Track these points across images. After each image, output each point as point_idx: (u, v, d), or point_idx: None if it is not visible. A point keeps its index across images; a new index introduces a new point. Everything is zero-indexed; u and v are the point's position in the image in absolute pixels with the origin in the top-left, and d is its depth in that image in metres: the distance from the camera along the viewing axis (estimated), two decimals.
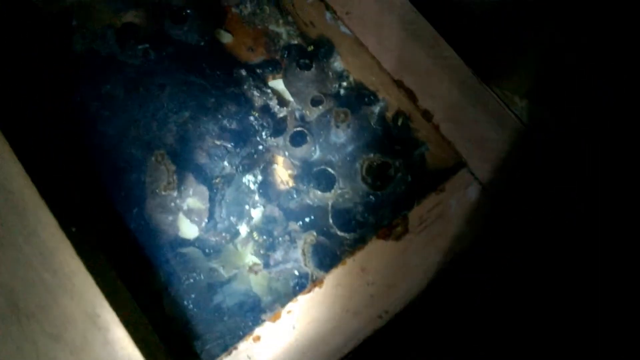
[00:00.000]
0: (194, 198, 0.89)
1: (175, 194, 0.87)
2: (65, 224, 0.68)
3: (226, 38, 1.07)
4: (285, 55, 1.01)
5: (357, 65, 0.94)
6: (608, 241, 0.80)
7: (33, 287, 0.63)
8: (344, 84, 0.96)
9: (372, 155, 0.86)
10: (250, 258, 0.89)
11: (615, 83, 0.83)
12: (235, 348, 0.77)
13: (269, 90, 1.02)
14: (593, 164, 0.81)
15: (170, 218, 0.88)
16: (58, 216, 0.68)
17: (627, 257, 0.79)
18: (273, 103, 1.00)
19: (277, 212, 0.93)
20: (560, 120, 0.89)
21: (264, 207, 0.93)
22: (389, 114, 0.93)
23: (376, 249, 0.80)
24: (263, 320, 0.80)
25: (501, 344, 0.84)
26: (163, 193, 0.85)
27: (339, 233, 0.87)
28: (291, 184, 0.94)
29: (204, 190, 0.89)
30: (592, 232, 0.80)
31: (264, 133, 0.97)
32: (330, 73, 0.96)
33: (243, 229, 0.92)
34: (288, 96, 1.02)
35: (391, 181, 0.83)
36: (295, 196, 0.92)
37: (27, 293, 0.63)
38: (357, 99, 0.93)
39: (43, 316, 0.62)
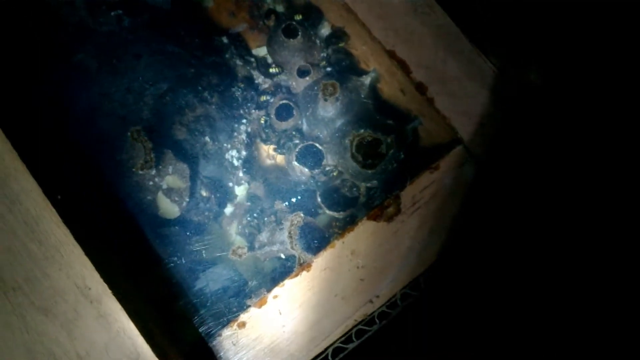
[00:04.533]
0: (174, 176, 0.84)
1: (153, 172, 0.82)
2: (50, 192, 0.64)
3: (207, 2, 1.00)
4: (270, 22, 0.94)
5: (347, 34, 0.88)
6: (603, 222, 0.77)
7: (18, 258, 0.60)
8: (332, 53, 0.89)
9: (362, 130, 0.81)
10: (235, 238, 0.84)
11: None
12: (220, 335, 0.74)
13: (252, 59, 0.96)
14: (589, 143, 0.77)
15: (149, 197, 0.84)
16: (42, 183, 0.63)
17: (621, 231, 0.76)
18: (257, 73, 0.94)
19: (262, 190, 0.89)
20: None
21: (249, 184, 0.89)
22: (380, 86, 0.87)
23: (366, 231, 0.76)
24: (248, 306, 0.77)
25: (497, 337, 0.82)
26: (140, 172, 0.80)
27: (328, 212, 0.82)
28: (277, 160, 0.90)
29: (184, 167, 0.84)
30: (589, 214, 0.77)
31: (248, 105, 0.91)
32: (317, 42, 0.89)
33: (227, 208, 0.88)
34: (272, 66, 0.95)
35: (383, 159, 0.79)
36: (280, 174, 0.88)
37: (12, 265, 0.59)
38: (346, 70, 0.87)
39: (30, 289, 0.59)
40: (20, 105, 0.83)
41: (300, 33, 0.87)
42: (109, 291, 0.61)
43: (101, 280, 0.61)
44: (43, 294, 0.59)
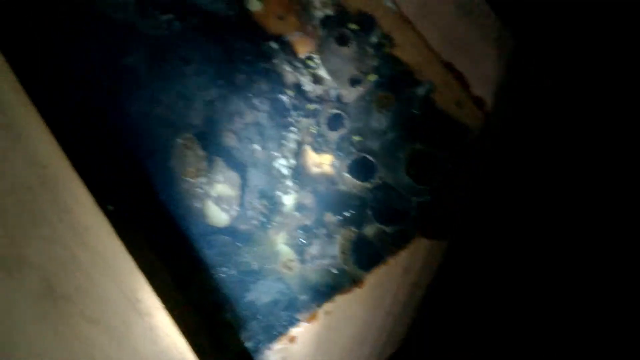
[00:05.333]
0: (224, 184, 0.83)
1: (204, 180, 0.81)
2: (101, 202, 0.63)
3: (255, 6, 0.98)
4: (321, 28, 0.93)
5: (401, 43, 0.86)
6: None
7: (68, 267, 0.59)
8: (385, 63, 0.87)
9: (417, 144, 0.79)
10: (284, 249, 0.83)
11: None
12: (269, 348, 0.74)
13: (301, 65, 0.95)
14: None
15: (199, 205, 0.83)
16: (93, 193, 0.63)
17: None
18: (306, 80, 0.93)
19: (310, 200, 0.88)
20: None
21: (297, 193, 0.88)
22: (434, 97, 0.85)
23: (421, 248, 0.75)
24: (299, 320, 0.76)
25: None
26: (191, 180, 0.79)
27: (378, 225, 0.81)
28: (325, 170, 0.88)
29: (234, 176, 0.83)
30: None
31: (297, 113, 0.90)
32: (370, 50, 0.87)
33: (275, 217, 0.87)
34: (323, 73, 0.94)
35: (437, 174, 0.77)
36: (330, 184, 0.86)
37: (62, 274, 0.59)
38: (400, 80, 0.85)
39: (80, 298, 0.59)
40: (71, 111, 0.82)
41: (353, 41, 0.85)
42: (160, 305, 0.60)
43: (152, 293, 0.61)
44: (92, 305, 0.59)
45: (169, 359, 0.59)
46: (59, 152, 0.63)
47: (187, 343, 0.60)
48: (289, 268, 0.80)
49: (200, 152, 0.80)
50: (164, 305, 0.61)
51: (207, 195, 0.83)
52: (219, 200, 0.84)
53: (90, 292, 0.59)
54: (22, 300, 0.57)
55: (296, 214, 0.86)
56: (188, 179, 0.80)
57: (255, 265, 0.81)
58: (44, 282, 0.58)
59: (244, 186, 0.85)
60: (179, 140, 0.83)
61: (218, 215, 0.84)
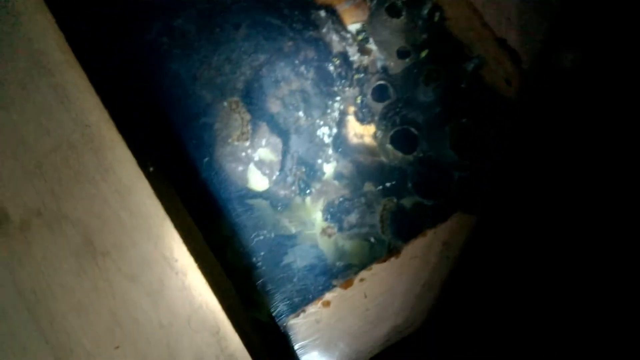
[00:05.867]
0: (267, 149, 0.84)
1: (247, 144, 0.83)
2: (143, 163, 0.64)
3: None
4: None
5: (453, 16, 0.85)
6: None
7: (109, 225, 0.61)
8: (435, 36, 0.86)
9: (463, 119, 0.78)
10: (322, 216, 0.84)
11: None
12: (304, 311, 0.75)
13: (348, 35, 0.94)
14: None
15: (241, 168, 0.84)
16: (135, 154, 0.64)
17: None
18: (353, 50, 0.92)
19: (350, 170, 0.88)
20: None
21: (337, 162, 0.88)
22: (483, 73, 0.84)
23: (460, 223, 0.75)
24: (334, 286, 0.77)
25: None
26: (235, 143, 0.81)
27: (418, 198, 0.81)
28: (368, 141, 0.88)
29: (277, 141, 0.84)
30: None
31: (342, 82, 0.90)
32: (420, 23, 0.86)
33: (314, 184, 0.88)
34: (370, 44, 0.93)
35: (482, 150, 0.76)
36: (371, 155, 0.87)
37: (103, 231, 0.60)
38: (449, 54, 0.84)
39: (119, 256, 0.60)
40: (117, 73, 0.84)
41: (404, 13, 0.84)
42: (195, 264, 0.61)
43: (188, 253, 0.61)
44: (131, 262, 0.60)
45: (201, 317, 0.60)
46: (104, 113, 0.64)
47: (219, 302, 0.61)
48: (327, 235, 0.82)
49: (246, 116, 0.81)
50: (197, 265, 0.61)
51: (249, 158, 0.85)
52: (260, 165, 0.85)
53: (128, 250, 0.60)
54: (63, 254, 0.58)
55: (335, 182, 0.87)
56: (233, 142, 0.81)
57: (293, 230, 0.83)
58: (85, 238, 0.60)
59: (285, 152, 0.86)
60: (225, 104, 0.84)
61: (259, 179, 0.85)
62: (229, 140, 0.82)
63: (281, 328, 0.76)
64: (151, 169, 0.66)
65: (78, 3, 0.84)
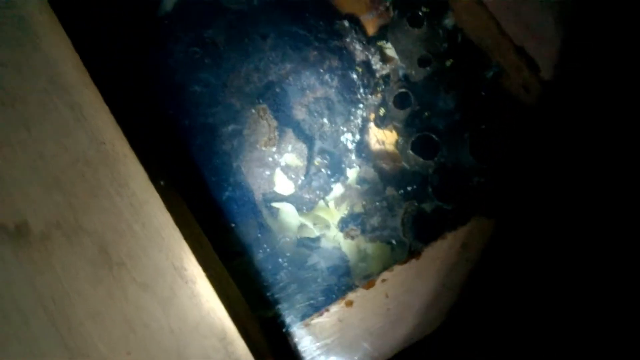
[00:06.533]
0: (293, 154, 0.88)
1: (274, 149, 0.86)
2: (154, 177, 0.69)
3: None
4: (393, 9, 0.95)
5: (473, 26, 0.88)
6: None
7: (123, 236, 0.64)
8: (455, 45, 0.89)
9: (482, 127, 0.81)
10: (344, 219, 0.87)
11: None
12: (327, 310, 0.78)
13: (370, 45, 0.98)
14: None
15: (268, 173, 0.88)
16: (147, 168, 0.68)
17: None
18: (375, 59, 0.96)
19: (372, 175, 0.91)
20: None
21: (360, 167, 0.91)
22: (502, 81, 0.86)
23: (479, 226, 0.77)
24: (356, 286, 0.80)
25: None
26: (263, 148, 0.85)
27: (438, 203, 0.84)
28: (390, 147, 0.91)
29: (303, 147, 0.87)
30: None
31: (364, 90, 0.93)
32: (440, 32, 0.89)
33: (337, 188, 0.91)
34: (391, 53, 0.96)
35: (501, 156, 0.79)
36: (392, 161, 0.90)
37: (117, 242, 0.64)
38: (468, 62, 0.87)
39: (133, 265, 0.64)
40: (136, 90, 0.88)
41: (425, 22, 0.87)
42: (203, 273, 0.64)
43: (196, 262, 0.65)
44: (144, 272, 0.63)
45: (209, 323, 0.63)
46: (118, 130, 0.68)
47: (226, 309, 0.64)
48: (350, 237, 0.85)
49: (273, 122, 0.85)
50: (206, 274, 0.65)
51: (276, 163, 0.88)
52: (286, 169, 0.88)
53: (141, 260, 0.64)
54: (80, 264, 0.62)
55: (358, 186, 0.90)
56: (261, 147, 0.85)
57: (317, 233, 0.86)
58: (101, 249, 0.63)
59: (310, 157, 0.90)
60: (253, 111, 0.88)
61: (285, 183, 0.89)
62: (257, 146, 0.86)
63: (303, 328, 0.79)
64: (162, 182, 0.70)
65: (95, 24, 0.88)
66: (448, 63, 0.88)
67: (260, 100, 0.89)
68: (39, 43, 0.68)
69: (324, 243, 0.87)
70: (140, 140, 0.72)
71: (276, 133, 0.84)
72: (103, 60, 0.86)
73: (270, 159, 0.87)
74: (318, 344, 0.78)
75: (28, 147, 0.65)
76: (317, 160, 0.88)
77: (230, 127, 0.89)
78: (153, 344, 0.61)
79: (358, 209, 0.88)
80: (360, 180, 0.91)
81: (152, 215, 0.65)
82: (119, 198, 0.65)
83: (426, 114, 0.87)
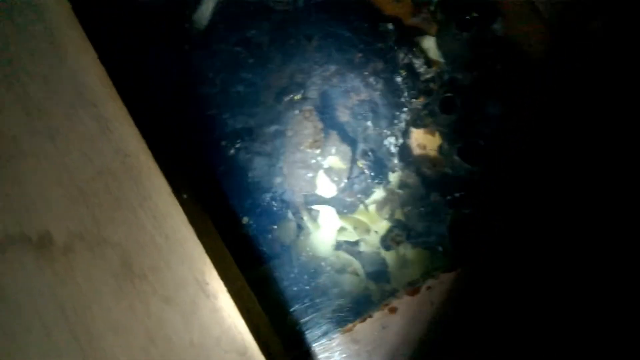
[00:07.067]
0: (336, 157, 0.87)
1: (318, 151, 0.86)
2: (177, 190, 0.68)
3: None
4: (439, 12, 0.94)
5: (524, 32, 0.86)
6: None
7: (146, 249, 0.64)
8: (504, 50, 0.88)
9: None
10: (384, 223, 0.86)
11: None
12: (370, 316, 0.77)
13: (414, 48, 0.96)
14: None
15: (310, 175, 0.87)
16: (171, 182, 0.68)
17: None
18: (419, 62, 0.95)
19: (414, 179, 0.90)
20: None
21: (402, 171, 0.90)
22: None
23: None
24: (400, 293, 0.79)
25: None
26: (307, 150, 0.84)
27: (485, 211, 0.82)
28: (433, 152, 0.90)
29: (347, 150, 0.86)
30: None
31: (408, 94, 0.92)
32: (490, 37, 0.88)
33: (379, 192, 0.90)
34: (436, 56, 0.95)
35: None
36: (434, 166, 0.88)
37: (140, 255, 0.64)
38: (517, 68, 0.85)
39: (155, 278, 0.63)
40: (166, 99, 0.88)
41: (474, 27, 0.86)
42: (225, 288, 0.64)
43: (218, 277, 0.64)
44: (166, 285, 0.63)
45: (230, 338, 0.63)
46: (142, 143, 0.67)
47: (247, 324, 0.64)
48: (393, 242, 0.83)
49: (319, 124, 0.84)
50: (227, 289, 0.64)
51: (319, 166, 0.87)
52: (329, 172, 0.88)
53: (164, 273, 0.63)
54: (102, 276, 0.62)
55: (400, 191, 0.89)
56: (305, 149, 0.84)
57: (357, 237, 0.85)
58: (123, 261, 0.63)
59: (353, 160, 0.89)
60: (297, 112, 0.88)
61: (327, 186, 0.88)
62: (301, 147, 0.85)
63: (344, 333, 0.78)
64: (185, 196, 0.69)
65: (130, 25, 0.88)
66: (494, 66, 0.87)
67: (305, 102, 0.88)
68: (65, 55, 0.68)
69: (363, 247, 0.86)
70: (164, 153, 0.72)
71: (322, 135, 0.83)
72: (128, 70, 0.86)
73: (313, 161, 0.87)
74: (360, 350, 0.77)
75: (53, 158, 0.65)
76: (361, 162, 0.87)
77: (273, 128, 0.88)
78: (174, 357, 0.60)
79: (399, 214, 0.87)
80: (402, 184, 0.90)
81: (175, 228, 0.65)
82: (142, 210, 0.65)
83: (473, 119, 0.85)
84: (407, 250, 0.83)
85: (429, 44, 0.96)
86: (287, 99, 0.90)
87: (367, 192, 0.89)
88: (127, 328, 0.61)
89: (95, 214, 0.64)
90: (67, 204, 0.64)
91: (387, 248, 0.84)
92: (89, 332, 0.60)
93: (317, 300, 0.83)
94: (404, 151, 0.92)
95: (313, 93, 0.90)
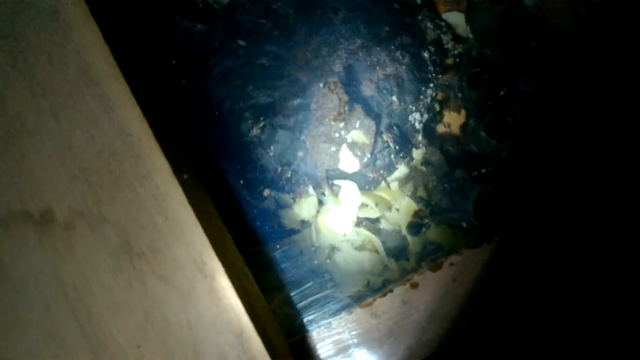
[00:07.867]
0: (360, 131, 0.86)
1: (342, 125, 0.85)
2: (178, 170, 0.68)
3: None
4: None
5: (558, 8, 0.84)
6: None
7: (145, 228, 0.64)
8: (539, 26, 0.85)
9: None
10: (408, 199, 0.85)
11: None
12: (391, 291, 0.76)
13: (442, 23, 0.94)
14: None
15: (333, 149, 0.86)
16: (172, 161, 0.67)
17: None
18: (447, 38, 0.93)
19: (438, 156, 0.89)
20: None
21: (426, 148, 0.89)
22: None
23: None
24: (422, 268, 0.78)
25: None
26: (332, 123, 0.83)
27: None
28: (458, 129, 0.88)
29: (371, 124, 0.85)
30: None
31: (435, 69, 0.90)
32: (522, 11, 0.86)
33: (402, 169, 0.88)
34: (465, 32, 0.93)
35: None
36: (459, 143, 0.87)
37: (139, 234, 0.64)
38: (552, 44, 0.83)
39: (153, 258, 0.63)
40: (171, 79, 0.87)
41: (505, 1, 0.83)
42: (222, 269, 0.63)
43: (216, 257, 0.64)
44: (164, 265, 0.63)
45: (226, 319, 0.62)
46: (144, 123, 0.67)
47: (243, 306, 0.63)
48: (419, 218, 0.82)
49: (344, 97, 0.83)
50: (225, 270, 0.64)
51: (342, 139, 0.86)
52: (353, 146, 0.86)
53: (162, 253, 0.63)
54: (102, 254, 0.62)
55: (423, 168, 0.88)
56: (330, 122, 0.83)
57: (379, 213, 0.84)
58: (122, 240, 0.63)
59: (377, 135, 0.87)
60: (322, 85, 0.86)
61: (350, 161, 0.87)
62: (325, 120, 0.84)
63: (364, 307, 0.78)
64: (185, 176, 0.69)
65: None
66: (527, 42, 0.84)
67: (330, 75, 0.87)
68: (69, 33, 0.68)
69: (384, 224, 0.85)
70: (166, 132, 0.72)
71: (346, 108, 0.82)
72: (134, 49, 0.85)
73: (337, 134, 0.86)
74: (380, 325, 0.76)
75: (56, 136, 0.65)
76: (386, 135, 0.86)
77: (297, 101, 0.87)
78: (170, 337, 0.61)
79: (422, 191, 0.85)
80: (426, 161, 0.89)
81: (174, 209, 0.65)
82: (143, 190, 0.65)
83: (501, 94, 0.83)
84: (434, 226, 0.82)
85: (458, 19, 0.94)
86: (312, 72, 0.88)
87: (389, 169, 0.88)
88: (125, 307, 0.61)
89: (96, 193, 0.64)
90: (68, 182, 0.64)
91: (414, 233, 0.82)
92: (88, 309, 0.61)
93: (337, 274, 0.82)
94: (429, 128, 0.90)
95: (338, 66, 0.89)
